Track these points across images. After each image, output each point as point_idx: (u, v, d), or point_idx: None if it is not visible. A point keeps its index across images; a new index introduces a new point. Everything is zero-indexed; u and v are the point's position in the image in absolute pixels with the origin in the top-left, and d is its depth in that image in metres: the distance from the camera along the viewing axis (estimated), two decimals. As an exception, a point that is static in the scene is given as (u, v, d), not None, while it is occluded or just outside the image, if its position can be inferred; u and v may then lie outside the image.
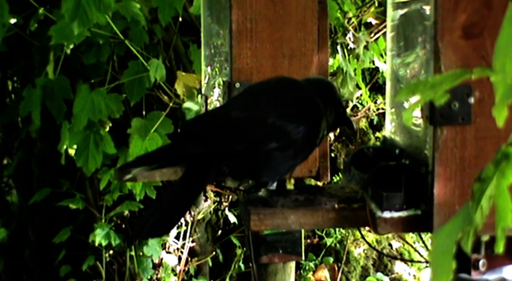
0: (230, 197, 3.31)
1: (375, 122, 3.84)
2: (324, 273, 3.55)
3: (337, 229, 3.61)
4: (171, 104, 2.52)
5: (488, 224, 0.55)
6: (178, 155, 1.15)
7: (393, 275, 3.68)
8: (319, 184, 1.57)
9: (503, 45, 0.49)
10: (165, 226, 1.15)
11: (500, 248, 0.50)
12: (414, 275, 3.70)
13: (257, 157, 1.13)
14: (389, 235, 3.66)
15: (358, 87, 3.09)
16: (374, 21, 3.13)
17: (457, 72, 0.55)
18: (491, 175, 0.51)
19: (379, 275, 3.64)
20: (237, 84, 1.46)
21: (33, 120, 2.47)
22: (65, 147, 2.43)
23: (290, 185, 1.20)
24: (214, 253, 3.27)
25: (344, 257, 3.62)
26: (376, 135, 3.82)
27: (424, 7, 1.13)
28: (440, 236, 0.54)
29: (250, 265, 2.00)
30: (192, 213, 3.17)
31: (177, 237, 3.13)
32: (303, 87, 1.21)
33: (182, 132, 1.22)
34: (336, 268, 3.58)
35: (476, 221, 0.51)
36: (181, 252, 3.14)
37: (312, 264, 3.57)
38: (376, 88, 3.71)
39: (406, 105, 1.27)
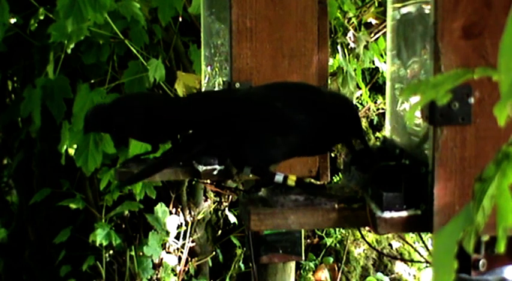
0: (230, 197, 3.31)
1: (375, 122, 3.84)
2: (324, 273, 3.55)
3: (337, 229, 3.61)
4: (171, 104, 2.51)
5: (489, 224, 0.55)
6: (175, 118, 1.17)
7: (393, 275, 3.68)
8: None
9: (508, 45, 0.49)
10: (138, 176, 1.25)
11: (501, 248, 0.50)
12: (414, 275, 3.70)
13: (249, 136, 1.13)
14: (389, 235, 3.66)
15: (358, 87, 3.09)
16: (374, 21, 3.13)
17: (459, 72, 0.55)
18: (492, 174, 0.51)
19: (379, 275, 3.64)
20: (237, 84, 1.46)
21: (33, 121, 2.47)
22: (65, 147, 2.43)
23: (291, 182, 1.19)
24: (214, 253, 3.27)
25: (344, 257, 3.62)
26: (376, 135, 3.82)
27: (424, 7, 1.13)
28: (441, 236, 0.54)
29: (250, 265, 2.00)
30: (192, 213, 3.17)
31: (177, 237, 3.13)
32: (318, 91, 1.22)
33: (184, 102, 1.24)
34: (336, 268, 3.58)
35: (478, 220, 0.51)
36: (181, 252, 3.14)
37: (312, 264, 3.57)
38: (376, 88, 3.71)
39: (406, 105, 1.27)
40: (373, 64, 3.10)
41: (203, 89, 1.90)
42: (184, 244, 3.14)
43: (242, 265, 3.37)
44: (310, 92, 1.21)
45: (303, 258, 1.93)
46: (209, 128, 1.13)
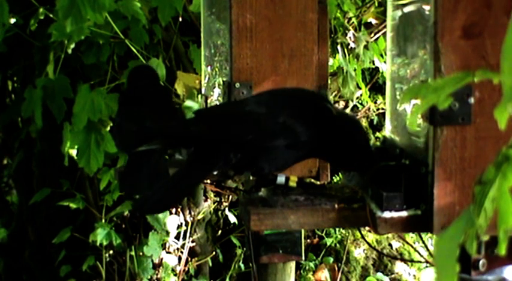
0: (230, 197, 3.31)
1: (375, 122, 3.84)
2: (324, 273, 3.55)
3: (337, 229, 3.61)
4: (171, 104, 2.51)
5: (489, 225, 0.55)
6: (187, 136, 1.18)
7: (393, 275, 3.68)
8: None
9: (511, 47, 0.49)
10: (165, 204, 1.21)
11: (502, 250, 0.50)
12: (414, 275, 3.70)
13: (262, 150, 1.14)
14: (390, 235, 3.66)
15: (358, 87, 3.09)
16: (374, 21, 3.13)
17: (459, 76, 0.54)
18: (493, 177, 0.51)
19: (379, 275, 3.64)
20: (237, 84, 1.46)
21: (34, 121, 2.47)
22: (67, 147, 2.43)
23: (293, 183, 1.20)
24: (214, 253, 3.27)
25: (344, 257, 3.62)
26: (376, 135, 3.82)
27: (424, 7, 1.13)
28: (443, 239, 0.54)
29: (250, 265, 2.00)
30: (192, 213, 3.17)
31: (177, 237, 3.12)
32: (326, 101, 1.23)
33: (195, 117, 1.24)
34: (336, 268, 3.58)
35: (480, 223, 0.51)
36: (181, 252, 3.14)
37: (312, 264, 3.57)
38: (376, 88, 3.71)
39: (406, 105, 1.27)
40: (373, 64, 3.10)
41: (203, 90, 1.90)
42: (184, 244, 3.14)
43: (242, 265, 3.37)
44: (319, 101, 1.22)
45: (303, 258, 1.93)
46: (223, 144, 1.15)
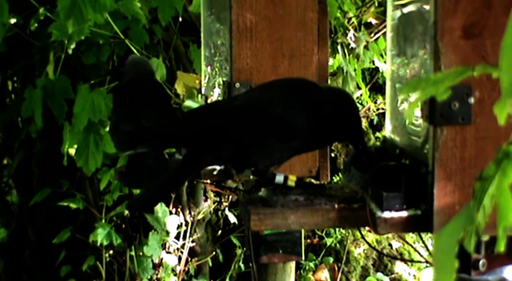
0: (230, 197, 3.31)
1: (375, 122, 3.84)
2: (324, 273, 3.55)
3: (337, 229, 3.61)
4: (171, 104, 2.51)
5: (489, 224, 0.55)
6: (175, 133, 1.18)
7: (393, 275, 3.68)
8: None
9: (509, 44, 0.49)
10: (152, 202, 1.26)
11: (501, 247, 0.50)
12: (414, 275, 3.70)
13: (254, 145, 1.14)
14: (390, 235, 3.66)
15: (358, 87, 3.09)
16: (374, 21, 3.13)
17: (459, 70, 0.54)
18: (493, 173, 0.51)
19: (379, 275, 3.64)
20: (237, 84, 1.46)
21: (34, 121, 2.47)
22: (66, 147, 2.43)
23: (292, 183, 1.20)
24: (214, 253, 3.27)
25: (344, 257, 3.62)
26: (376, 135, 3.82)
27: (424, 7, 1.13)
28: (442, 236, 0.54)
29: (250, 265, 2.00)
30: (192, 213, 3.17)
31: (177, 237, 3.12)
32: (317, 88, 1.22)
33: (183, 116, 1.25)
34: (336, 268, 3.58)
35: (479, 220, 0.51)
36: (181, 252, 3.14)
37: (312, 264, 3.57)
38: (376, 88, 3.71)
39: (406, 105, 1.27)
40: (373, 64, 3.10)
41: (203, 90, 1.90)
42: (184, 244, 3.14)
43: (242, 265, 3.37)
44: (308, 89, 1.21)
45: (303, 258, 1.93)
46: (212, 140, 1.15)
